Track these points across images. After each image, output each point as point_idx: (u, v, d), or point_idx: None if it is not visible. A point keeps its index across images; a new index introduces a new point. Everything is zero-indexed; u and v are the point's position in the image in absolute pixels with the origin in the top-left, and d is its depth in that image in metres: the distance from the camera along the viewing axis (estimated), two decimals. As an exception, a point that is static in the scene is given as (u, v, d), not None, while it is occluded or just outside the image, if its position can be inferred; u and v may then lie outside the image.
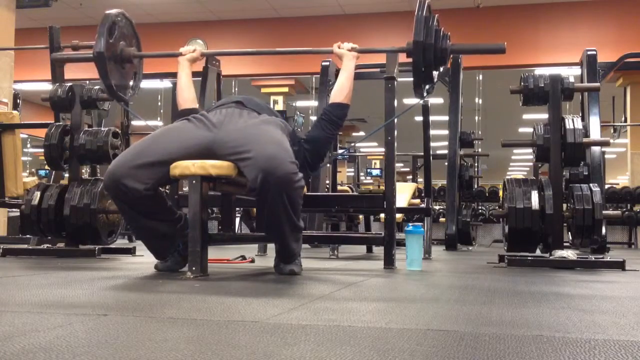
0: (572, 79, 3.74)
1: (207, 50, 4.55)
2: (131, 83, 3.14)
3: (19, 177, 4.57)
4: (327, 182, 5.89)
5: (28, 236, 4.60)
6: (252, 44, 10.12)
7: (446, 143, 6.81)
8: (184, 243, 2.73)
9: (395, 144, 3.36)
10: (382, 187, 3.61)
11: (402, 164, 17.55)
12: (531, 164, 10.31)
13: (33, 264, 3.30)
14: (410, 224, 3.37)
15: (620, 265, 3.44)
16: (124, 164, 2.57)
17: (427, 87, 3.02)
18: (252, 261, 3.62)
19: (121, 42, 3.00)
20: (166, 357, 1.04)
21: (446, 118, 6.75)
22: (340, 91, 2.96)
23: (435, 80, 3.02)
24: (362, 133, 16.65)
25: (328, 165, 5.42)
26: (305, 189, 2.69)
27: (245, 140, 2.56)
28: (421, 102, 3.12)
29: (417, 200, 7.25)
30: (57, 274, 2.71)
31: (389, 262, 3.27)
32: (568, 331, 1.37)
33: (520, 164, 23.08)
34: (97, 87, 4.07)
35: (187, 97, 3.04)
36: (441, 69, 3.01)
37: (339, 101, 2.96)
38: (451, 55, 3.13)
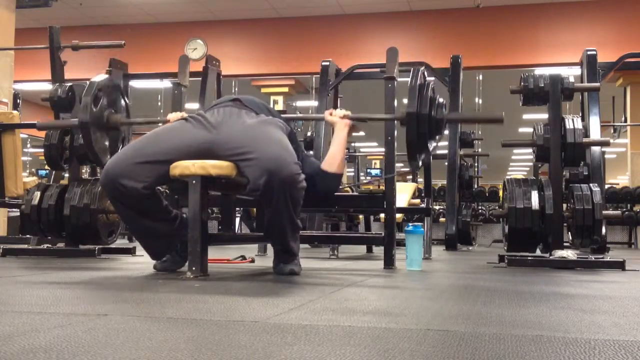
0: (572, 79, 3.74)
1: None
2: (119, 148, 3.12)
3: (19, 177, 4.57)
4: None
5: (28, 236, 4.60)
6: (252, 44, 10.13)
7: (446, 143, 6.80)
8: (182, 243, 2.73)
9: (395, 144, 3.36)
10: (382, 187, 3.61)
11: (402, 164, 17.55)
12: (531, 164, 10.31)
13: (33, 264, 3.30)
14: (410, 224, 3.37)
15: (620, 265, 3.44)
16: (122, 162, 2.56)
17: (422, 156, 2.94)
18: (252, 261, 3.62)
19: (107, 110, 2.98)
20: (166, 357, 1.04)
21: (446, 118, 6.72)
22: (332, 161, 2.85)
23: (432, 150, 2.94)
24: (362, 133, 16.65)
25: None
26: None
27: (247, 141, 2.55)
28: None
29: (417, 200, 7.25)
30: (57, 274, 2.71)
31: (389, 262, 3.27)
32: (568, 331, 1.37)
33: (520, 164, 23.06)
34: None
35: None
36: (437, 138, 2.92)
37: (332, 171, 2.84)
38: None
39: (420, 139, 2.80)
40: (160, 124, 3.02)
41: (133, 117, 3.25)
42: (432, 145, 2.93)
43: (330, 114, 2.98)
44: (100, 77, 2.97)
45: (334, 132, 2.98)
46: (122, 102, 3.12)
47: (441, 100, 2.91)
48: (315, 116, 3.17)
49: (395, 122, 3.36)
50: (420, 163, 2.98)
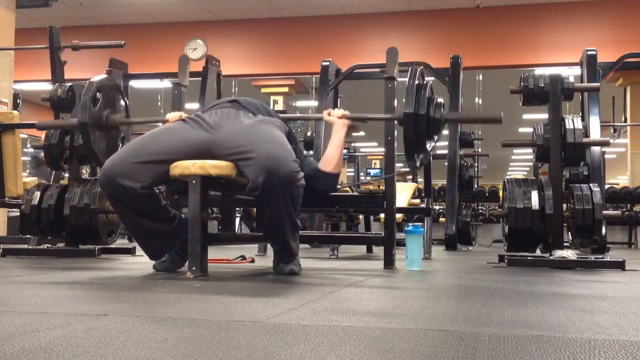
0: (572, 79, 3.74)
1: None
2: (119, 148, 3.13)
3: (19, 177, 4.57)
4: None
5: (28, 236, 4.60)
6: (252, 44, 10.12)
7: (446, 143, 6.80)
8: (180, 243, 2.73)
9: (395, 144, 3.36)
10: (382, 187, 3.61)
11: (402, 164, 17.55)
12: (531, 164, 10.30)
13: (33, 264, 3.30)
14: (410, 224, 3.37)
15: (620, 265, 3.44)
16: (120, 162, 2.56)
17: (421, 156, 2.94)
18: (252, 261, 3.62)
19: (106, 110, 2.98)
20: (166, 357, 1.04)
21: (446, 118, 6.72)
22: (330, 161, 2.85)
23: (430, 150, 2.93)
24: (362, 133, 16.65)
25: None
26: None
27: (245, 141, 2.56)
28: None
29: (417, 200, 7.24)
30: (57, 274, 2.71)
31: (389, 262, 3.27)
32: (568, 331, 1.37)
33: (520, 164, 23.07)
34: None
35: None
36: (436, 138, 2.92)
37: (328, 171, 2.84)
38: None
39: (418, 139, 2.80)
40: (160, 124, 3.03)
41: (133, 117, 3.26)
42: (430, 145, 2.93)
43: (329, 114, 2.98)
44: (100, 77, 2.97)
45: (332, 131, 2.97)
46: (122, 101, 3.12)
47: (440, 100, 2.91)
48: (314, 116, 3.17)
49: (395, 121, 3.37)
50: (419, 163, 2.98)
